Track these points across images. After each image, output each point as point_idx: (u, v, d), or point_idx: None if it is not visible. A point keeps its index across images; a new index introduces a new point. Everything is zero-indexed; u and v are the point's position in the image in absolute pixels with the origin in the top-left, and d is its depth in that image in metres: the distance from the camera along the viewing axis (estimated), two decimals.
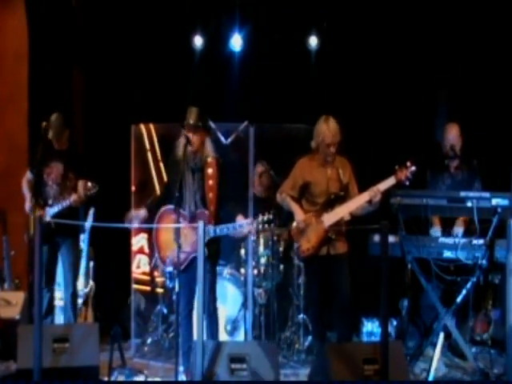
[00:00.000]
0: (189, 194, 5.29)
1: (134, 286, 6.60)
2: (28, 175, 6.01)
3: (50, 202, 5.91)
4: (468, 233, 5.86)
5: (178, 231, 5.05)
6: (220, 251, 5.50)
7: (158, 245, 5.43)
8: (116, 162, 6.52)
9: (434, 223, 6.09)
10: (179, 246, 5.03)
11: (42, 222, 4.50)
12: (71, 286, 6.01)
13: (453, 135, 6.19)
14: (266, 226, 5.01)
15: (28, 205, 5.89)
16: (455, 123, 6.26)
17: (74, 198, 5.79)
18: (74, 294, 6.05)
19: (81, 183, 5.84)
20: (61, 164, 5.97)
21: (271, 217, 5.00)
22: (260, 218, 5.01)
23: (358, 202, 5.42)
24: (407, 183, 5.34)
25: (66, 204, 5.81)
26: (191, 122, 5.23)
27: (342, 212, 5.44)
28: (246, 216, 5.31)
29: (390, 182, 5.37)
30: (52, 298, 6.07)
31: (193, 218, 5.21)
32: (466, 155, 6.20)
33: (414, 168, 5.32)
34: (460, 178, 6.21)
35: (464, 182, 6.11)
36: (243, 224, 5.04)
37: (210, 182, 5.25)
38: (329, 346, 4.77)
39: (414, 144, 6.85)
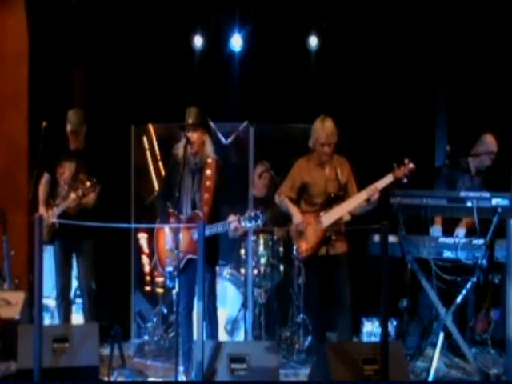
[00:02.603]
0: (187, 196, 5.29)
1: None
2: (45, 176, 5.96)
3: (57, 201, 5.84)
4: (470, 233, 5.86)
5: (177, 233, 5.06)
6: (219, 251, 5.51)
7: (157, 249, 5.45)
8: (116, 162, 6.51)
9: (435, 222, 6.08)
10: (177, 248, 5.03)
11: (41, 222, 4.49)
12: (88, 288, 5.96)
13: (494, 146, 6.20)
14: (253, 222, 5.01)
15: (41, 209, 5.83)
16: (494, 135, 6.26)
17: (72, 197, 5.70)
18: (90, 294, 5.99)
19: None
20: (73, 164, 5.89)
21: (258, 213, 4.99)
22: (247, 214, 5.01)
23: (356, 201, 5.43)
24: (405, 181, 5.34)
25: (66, 205, 5.74)
26: (190, 121, 5.24)
27: (341, 211, 5.45)
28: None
29: (388, 179, 5.37)
30: (68, 310, 6.00)
31: (189, 220, 5.22)
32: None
33: (412, 165, 5.32)
34: (477, 184, 6.25)
35: (478, 188, 6.13)
36: (231, 222, 5.04)
37: (207, 183, 5.25)
38: (329, 345, 4.77)
39: (414, 143, 6.86)
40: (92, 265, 5.98)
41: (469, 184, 6.25)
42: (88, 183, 5.65)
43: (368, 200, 5.38)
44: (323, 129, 5.44)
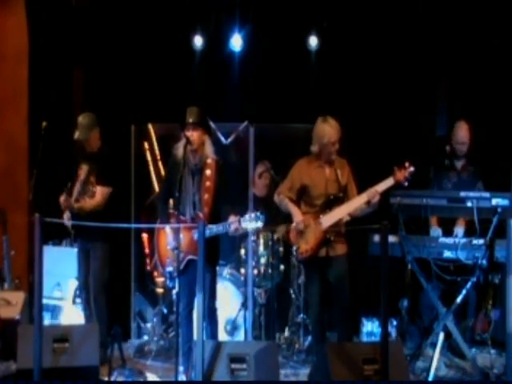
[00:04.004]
0: (187, 197, 5.29)
1: None
2: None
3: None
4: (468, 233, 5.86)
5: (177, 233, 5.06)
6: (219, 251, 5.51)
7: (158, 249, 5.45)
8: (116, 162, 6.51)
9: (431, 224, 6.07)
10: (178, 248, 5.04)
11: (41, 222, 4.49)
12: (94, 291, 5.84)
13: (462, 134, 6.19)
14: (254, 223, 5.01)
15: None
16: (464, 121, 6.26)
17: (60, 200, 5.77)
18: (97, 300, 5.85)
19: (99, 190, 5.77)
20: (87, 166, 5.88)
21: (258, 214, 4.99)
22: (247, 215, 5.01)
23: (356, 204, 5.42)
24: (406, 184, 5.34)
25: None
26: (190, 120, 5.25)
27: (341, 213, 5.44)
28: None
29: (389, 182, 5.37)
30: (88, 309, 5.92)
31: (191, 221, 5.22)
32: (474, 155, 6.20)
33: (412, 169, 5.32)
34: (466, 178, 6.23)
35: (469, 182, 6.12)
36: (231, 223, 5.04)
37: (208, 184, 5.25)
38: (329, 345, 4.77)
39: (415, 143, 6.86)
40: (100, 269, 5.84)
41: (455, 179, 6.24)
42: (71, 200, 5.70)
43: (368, 202, 5.37)
44: (331, 127, 5.42)
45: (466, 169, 6.25)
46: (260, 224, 5.02)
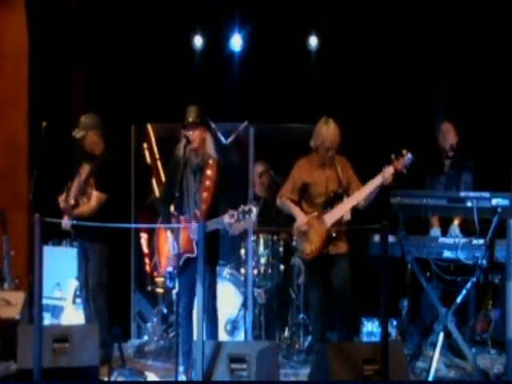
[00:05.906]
0: (189, 196, 5.28)
1: None
2: None
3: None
4: (465, 231, 5.86)
5: (177, 233, 5.06)
6: (219, 251, 5.50)
7: (158, 249, 5.45)
8: (118, 167, 6.51)
9: (433, 224, 6.08)
10: (177, 248, 5.03)
11: (41, 222, 4.49)
12: (92, 291, 5.81)
13: (452, 134, 6.20)
14: (247, 216, 4.99)
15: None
16: (450, 122, 6.27)
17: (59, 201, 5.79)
18: (96, 300, 5.83)
19: (95, 195, 5.75)
20: (88, 167, 5.87)
21: (251, 208, 4.99)
22: (240, 209, 5.01)
23: (356, 198, 5.43)
24: (405, 171, 5.34)
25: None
26: (190, 119, 5.24)
27: (343, 209, 5.45)
28: None
29: (388, 172, 5.37)
30: (86, 308, 5.91)
31: (191, 220, 5.23)
32: (461, 154, 6.22)
33: (410, 156, 5.32)
34: (452, 177, 6.24)
35: (454, 181, 6.13)
36: (225, 217, 5.04)
37: (207, 183, 5.24)
38: (329, 345, 4.77)
39: (414, 142, 6.85)
40: (98, 269, 5.81)
41: (444, 181, 6.26)
42: (71, 200, 5.70)
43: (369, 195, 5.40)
44: (328, 133, 5.44)
45: (454, 168, 6.26)
46: (253, 217, 5.00)
